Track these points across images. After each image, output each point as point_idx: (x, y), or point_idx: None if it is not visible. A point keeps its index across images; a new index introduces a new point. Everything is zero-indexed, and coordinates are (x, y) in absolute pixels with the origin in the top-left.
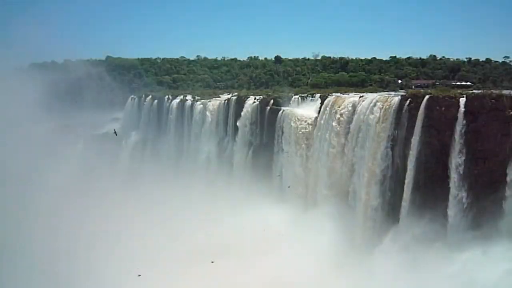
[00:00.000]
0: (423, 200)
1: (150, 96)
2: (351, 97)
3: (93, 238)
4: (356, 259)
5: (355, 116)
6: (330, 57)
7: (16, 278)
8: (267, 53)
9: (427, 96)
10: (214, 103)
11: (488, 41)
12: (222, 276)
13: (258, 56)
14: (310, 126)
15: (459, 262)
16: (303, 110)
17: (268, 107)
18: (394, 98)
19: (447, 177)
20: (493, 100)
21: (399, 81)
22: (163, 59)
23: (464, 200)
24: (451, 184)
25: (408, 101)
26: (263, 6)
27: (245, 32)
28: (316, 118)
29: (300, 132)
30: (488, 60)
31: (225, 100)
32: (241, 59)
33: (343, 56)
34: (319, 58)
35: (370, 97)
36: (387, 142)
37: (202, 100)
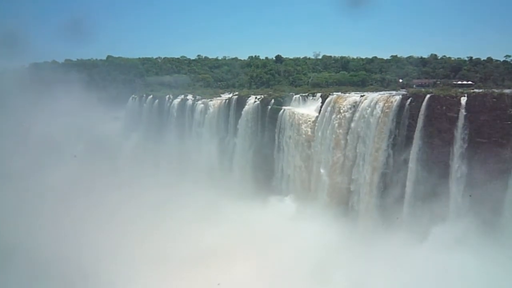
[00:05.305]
0: (424, 199)
1: (151, 96)
2: (352, 97)
3: (93, 238)
4: (354, 256)
5: (356, 115)
6: (331, 56)
7: (17, 279)
8: (268, 53)
9: (428, 95)
10: (215, 103)
11: (489, 40)
12: (224, 273)
13: (259, 56)
14: (311, 125)
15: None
16: (304, 110)
17: (269, 107)
18: (395, 97)
19: (448, 176)
20: (494, 99)
21: (400, 80)
22: (164, 58)
23: (465, 198)
24: (452, 183)
25: (409, 101)
26: (264, 5)
27: (246, 31)
28: (317, 117)
29: (301, 131)
30: (489, 59)
31: (226, 99)
32: (242, 59)
33: (344, 55)
34: (320, 57)
35: (371, 96)
36: (388, 141)
37: (203, 100)
